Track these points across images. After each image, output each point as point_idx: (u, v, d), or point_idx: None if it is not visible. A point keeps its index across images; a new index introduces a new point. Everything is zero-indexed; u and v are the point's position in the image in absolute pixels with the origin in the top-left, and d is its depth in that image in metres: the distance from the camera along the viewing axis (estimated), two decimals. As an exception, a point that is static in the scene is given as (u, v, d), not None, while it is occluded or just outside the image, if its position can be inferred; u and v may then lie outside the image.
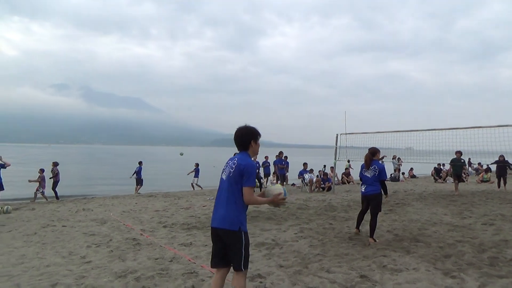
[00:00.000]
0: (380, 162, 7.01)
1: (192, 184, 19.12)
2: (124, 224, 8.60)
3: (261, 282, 4.58)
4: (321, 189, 16.33)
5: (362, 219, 7.22)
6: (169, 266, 5.28)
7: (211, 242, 3.53)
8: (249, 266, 5.19)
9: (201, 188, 18.95)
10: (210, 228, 8.08)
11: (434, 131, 13.65)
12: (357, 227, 7.22)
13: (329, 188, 16.10)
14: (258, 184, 16.73)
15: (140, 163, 18.89)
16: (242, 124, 3.66)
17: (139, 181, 18.42)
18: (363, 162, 7.00)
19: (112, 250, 6.25)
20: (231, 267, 3.47)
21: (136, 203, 12.85)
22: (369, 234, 6.68)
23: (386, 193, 6.85)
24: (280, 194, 3.54)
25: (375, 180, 6.73)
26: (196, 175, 19.09)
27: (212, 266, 3.56)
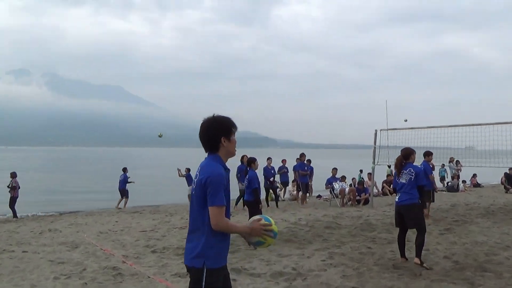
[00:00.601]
0: (419, 165, 7.11)
1: (188, 195, 19.12)
2: (101, 249, 8.65)
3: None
4: (355, 202, 16.26)
5: (405, 241, 7.20)
6: (159, 303, 5.29)
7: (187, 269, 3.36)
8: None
9: None
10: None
11: (504, 125, 13.45)
12: (402, 255, 7.15)
13: (366, 201, 16.01)
14: (274, 196, 16.75)
15: (124, 170, 18.98)
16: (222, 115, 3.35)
17: (124, 193, 18.45)
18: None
19: (86, 283, 6.29)
20: None
21: (116, 222, 12.95)
22: (416, 253, 6.78)
23: (424, 205, 6.91)
24: (259, 219, 3.21)
25: (412, 187, 6.87)
26: (190, 183, 19.09)
27: None
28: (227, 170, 3.19)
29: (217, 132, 3.20)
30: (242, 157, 14.86)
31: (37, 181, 34.17)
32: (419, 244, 6.78)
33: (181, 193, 19.82)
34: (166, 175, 41.50)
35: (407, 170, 6.97)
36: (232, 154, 3.32)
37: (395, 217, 7.22)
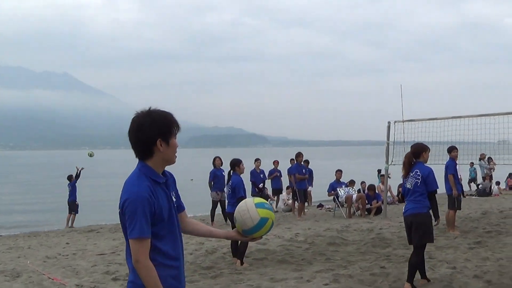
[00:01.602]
0: (425, 165, 7.12)
1: None
2: (49, 278, 8.64)
3: None
4: (365, 212, 16.40)
5: (423, 259, 7.26)
6: None
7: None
8: None
9: None
10: (188, 280, 8.12)
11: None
12: (423, 275, 7.19)
13: (379, 210, 16.16)
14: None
15: (70, 178, 18.84)
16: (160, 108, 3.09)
17: (73, 207, 18.38)
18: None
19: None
20: None
21: (67, 244, 12.93)
22: (421, 275, 7.01)
23: (436, 215, 6.93)
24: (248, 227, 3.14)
25: (420, 193, 6.89)
26: None
27: None
28: (162, 183, 2.98)
29: (152, 133, 2.93)
30: (214, 160, 14.92)
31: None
32: (413, 265, 6.84)
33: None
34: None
35: (414, 173, 6.98)
36: (171, 162, 3.07)
37: (406, 232, 7.27)
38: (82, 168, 19.07)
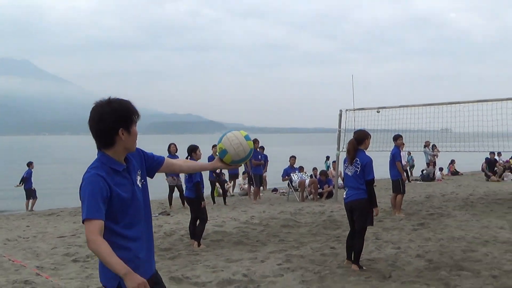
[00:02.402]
0: (365, 153, 7.18)
1: None
2: (9, 260, 8.48)
3: None
4: (317, 196, 16.60)
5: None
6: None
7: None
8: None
9: None
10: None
11: (485, 102, 14.07)
12: (349, 257, 7.27)
13: (330, 194, 16.39)
14: (221, 191, 16.86)
15: (29, 164, 18.72)
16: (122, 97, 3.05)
17: (30, 193, 18.26)
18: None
19: (-9, 301, 6.18)
20: None
21: (27, 227, 12.69)
22: (352, 258, 7.06)
23: (374, 203, 7.04)
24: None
25: (359, 181, 6.99)
26: None
27: None
28: (122, 170, 2.96)
29: (113, 123, 2.88)
30: (170, 146, 14.84)
31: None
32: (357, 249, 6.97)
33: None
34: (83, 167, 40.61)
35: (355, 161, 7.03)
36: (131, 149, 3.05)
37: (348, 217, 7.37)
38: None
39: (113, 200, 2.85)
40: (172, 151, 14.81)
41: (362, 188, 7.00)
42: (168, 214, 13.95)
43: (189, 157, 9.44)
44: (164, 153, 15.04)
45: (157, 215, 13.92)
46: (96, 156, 2.97)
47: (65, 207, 17.94)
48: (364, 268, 6.96)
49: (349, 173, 7.16)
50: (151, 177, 3.27)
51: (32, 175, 18.60)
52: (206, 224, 9.45)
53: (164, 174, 14.93)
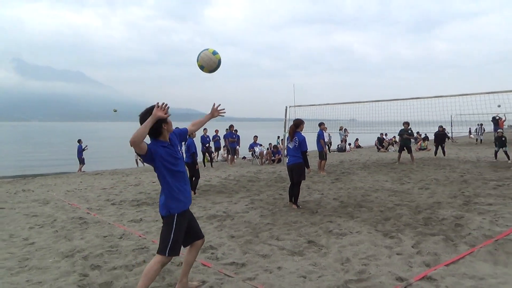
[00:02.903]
0: (301, 133, 7.21)
1: (136, 160, 18.83)
2: (68, 204, 8.30)
3: (212, 253, 4.69)
4: (271, 162, 16.67)
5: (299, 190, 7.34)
6: (118, 243, 5.23)
7: (161, 217, 3.49)
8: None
9: (142, 164, 18.67)
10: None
11: (376, 102, 14.34)
12: (290, 200, 7.28)
13: (279, 160, 16.49)
14: (209, 158, 16.74)
15: (79, 141, 18.30)
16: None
17: (81, 160, 17.96)
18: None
19: (57, 230, 6.05)
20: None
21: (81, 182, 12.40)
22: (292, 201, 7.13)
23: (307, 165, 7.10)
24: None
25: (297, 151, 7.03)
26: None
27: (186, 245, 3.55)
28: (167, 146, 3.34)
29: (157, 122, 3.18)
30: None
31: (10, 150, 31.54)
32: (296, 194, 7.08)
33: (133, 159, 19.34)
34: (121, 145, 39.97)
35: (294, 138, 7.05)
36: (171, 131, 3.44)
37: (289, 175, 7.33)
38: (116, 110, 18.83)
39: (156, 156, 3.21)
40: None
41: (299, 156, 7.05)
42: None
43: (188, 136, 9.33)
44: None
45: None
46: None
47: (106, 169, 17.59)
48: (300, 206, 7.05)
49: (290, 146, 7.18)
50: (186, 141, 3.62)
51: (82, 148, 18.18)
52: (199, 180, 9.40)
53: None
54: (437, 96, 12.81)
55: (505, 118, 25.47)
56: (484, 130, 25.98)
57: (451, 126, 26.62)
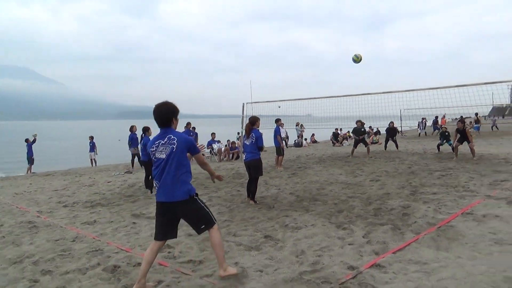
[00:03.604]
0: (258, 130, 7.33)
1: (91, 159, 18.22)
2: (17, 207, 7.87)
3: (169, 252, 4.64)
4: (230, 158, 16.67)
5: (251, 187, 7.35)
6: (71, 246, 5.05)
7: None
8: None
9: (95, 164, 18.08)
10: (116, 204, 7.79)
11: (331, 98, 14.72)
12: (248, 195, 7.31)
13: (237, 156, 16.53)
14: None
15: (27, 140, 17.30)
16: (161, 100, 3.66)
17: (30, 160, 16.96)
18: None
19: (4, 236, 5.72)
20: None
21: (30, 184, 11.79)
22: (250, 197, 7.17)
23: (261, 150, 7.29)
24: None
25: (254, 148, 7.11)
26: (92, 150, 18.23)
27: (164, 239, 3.66)
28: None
29: (170, 115, 3.60)
30: (132, 127, 14.30)
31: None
32: (254, 190, 7.13)
33: (87, 159, 18.64)
34: (74, 144, 38.35)
35: (251, 135, 7.13)
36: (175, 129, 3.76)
37: (247, 171, 7.40)
38: (36, 134, 17.50)
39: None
40: (134, 130, 14.27)
41: (256, 152, 7.13)
42: (131, 173, 13.46)
43: (143, 134, 9.15)
44: (128, 133, 14.52)
45: (123, 173, 13.41)
46: (171, 131, 3.60)
47: (58, 169, 16.80)
48: (257, 202, 7.13)
49: (247, 143, 7.23)
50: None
51: (32, 148, 17.20)
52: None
53: (128, 145, 14.37)
54: (386, 92, 13.38)
55: (445, 116, 27.30)
56: (426, 124, 27.54)
57: (400, 120, 27.90)
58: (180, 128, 18.26)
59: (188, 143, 3.56)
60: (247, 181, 7.48)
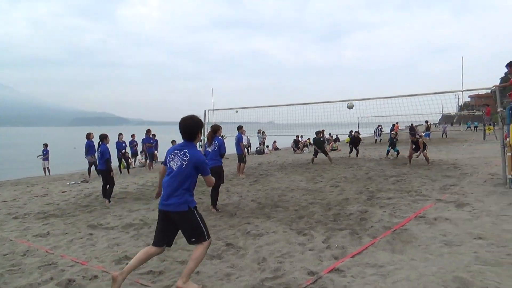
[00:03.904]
0: (219, 137, 7.44)
1: (44, 168, 17.40)
2: (-40, 221, 7.33)
3: (127, 263, 4.50)
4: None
5: (215, 196, 7.29)
6: (21, 261, 4.77)
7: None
8: (117, 248, 5.06)
9: (49, 173, 17.32)
10: (71, 215, 7.48)
11: (291, 106, 14.99)
12: (213, 205, 7.21)
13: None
14: (125, 164, 16.05)
15: None
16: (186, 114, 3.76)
17: None
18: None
19: None
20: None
21: (-24, 195, 11.03)
22: (212, 205, 7.12)
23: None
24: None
25: (216, 154, 7.17)
26: (46, 158, 17.42)
27: (159, 245, 3.73)
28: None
29: (196, 129, 3.74)
30: (89, 135, 13.79)
31: None
32: (214, 197, 7.05)
33: (39, 168, 17.78)
34: (26, 152, 36.42)
35: (213, 142, 7.19)
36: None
37: None
38: None
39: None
40: (91, 137, 13.75)
41: (218, 159, 7.15)
42: (87, 182, 12.97)
43: (100, 142, 8.87)
44: (84, 140, 14.00)
45: (79, 182, 12.90)
46: (188, 147, 3.70)
47: (8, 179, 15.88)
48: (219, 210, 7.10)
49: (209, 150, 7.24)
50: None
51: None
52: (114, 187, 8.97)
53: (84, 153, 13.81)
54: (345, 100, 13.80)
55: (398, 123, 28.70)
56: (381, 132, 28.75)
57: (358, 127, 28.86)
58: (140, 135, 17.77)
59: (198, 163, 3.64)
60: (209, 189, 7.42)
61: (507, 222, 5.38)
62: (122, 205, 8.11)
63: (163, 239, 3.69)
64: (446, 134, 31.52)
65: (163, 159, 3.85)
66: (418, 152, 12.47)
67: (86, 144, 13.85)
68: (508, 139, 7.99)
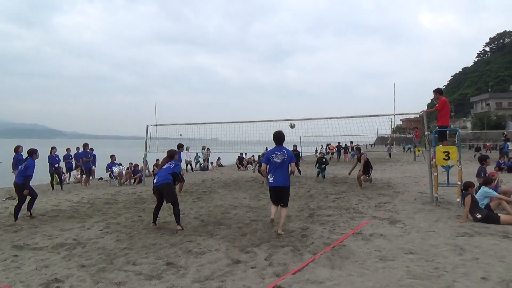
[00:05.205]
0: (176, 161, 7.53)
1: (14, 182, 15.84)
2: None
3: (58, 287, 4.19)
4: (132, 182, 15.86)
5: (158, 212, 7.22)
6: None
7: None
8: (46, 271, 4.69)
9: None
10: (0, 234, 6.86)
11: (236, 123, 15.07)
12: (153, 221, 7.10)
13: (140, 180, 15.82)
14: (58, 180, 15.05)
15: None
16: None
17: None
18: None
19: None
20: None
21: None
22: (176, 222, 6.92)
23: (180, 179, 7.81)
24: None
25: (168, 173, 7.07)
26: (16, 167, 15.90)
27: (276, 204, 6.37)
28: None
29: (284, 138, 6.51)
30: (17, 148, 12.77)
31: None
32: (177, 214, 6.86)
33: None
34: None
35: (169, 164, 7.20)
36: None
37: (155, 195, 7.20)
38: None
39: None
40: (19, 151, 12.71)
41: (169, 178, 6.99)
42: (14, 199, 11.94)
43: (28, 157, 8.29)
44: (12, 153, 12.93)
45: (4, 199, 11.86)
46: (284, 148, 6.32)
47: None
48: (183, 228, 6.76)
49: (164, 167, 7.18)
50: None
51: None
52: (45, 204, 8.39)
53: (11, 167, 12.70)
54: (287, 120, 14.15)
55: (331, 144, 30.47)
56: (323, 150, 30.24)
57: (300, 146, 29.70)
58: (75, 149, 16.77)
59: (292, 157, 6.22)
60: (152, 206, 7.18)
61: (433, 237, 5.79)
62: (53, 223, 7.56)
63: (277, 201, 6.32)
64: (390, 154, 34.19)
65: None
66: (369, 175, 12.36)
67: (14, 158, 12.79)
68: (434, 160, 8.66)
